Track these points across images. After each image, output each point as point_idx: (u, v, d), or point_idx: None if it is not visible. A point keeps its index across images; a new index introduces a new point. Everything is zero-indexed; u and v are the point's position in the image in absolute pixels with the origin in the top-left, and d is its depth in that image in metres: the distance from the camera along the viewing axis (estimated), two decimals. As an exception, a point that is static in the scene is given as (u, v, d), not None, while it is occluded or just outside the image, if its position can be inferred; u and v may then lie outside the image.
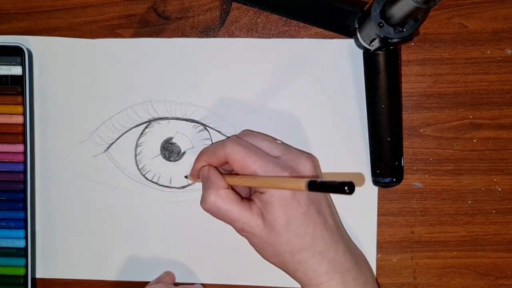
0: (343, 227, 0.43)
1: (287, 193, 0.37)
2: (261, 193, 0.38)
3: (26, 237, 0.44)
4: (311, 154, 0.43)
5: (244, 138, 0.40)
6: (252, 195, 0.39)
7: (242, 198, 0.39)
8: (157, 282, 0.43)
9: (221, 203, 0.38)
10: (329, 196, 0.42)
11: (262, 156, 0.38)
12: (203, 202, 0.39)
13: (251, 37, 0.44)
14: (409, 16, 0.33)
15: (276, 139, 0.42)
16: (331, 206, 0.41)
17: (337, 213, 0.43)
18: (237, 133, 0.43)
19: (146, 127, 0.44)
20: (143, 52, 0.44)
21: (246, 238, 0.39)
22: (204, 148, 0.42)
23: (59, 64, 0.44)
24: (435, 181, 0.44)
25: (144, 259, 0.45)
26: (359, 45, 0.40)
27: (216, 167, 0.40)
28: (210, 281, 0.45)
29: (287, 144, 0.42)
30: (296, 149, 0.43)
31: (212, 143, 0.44)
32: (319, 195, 0.39)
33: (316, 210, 0.38)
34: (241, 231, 0.39)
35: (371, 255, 0.44)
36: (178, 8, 0.44)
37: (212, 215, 0.39)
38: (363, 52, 0.40)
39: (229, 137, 0.44)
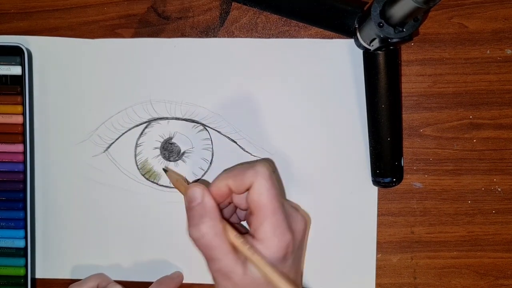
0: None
1: (278, 254, 0.34)
2: (253, 237, 0.34)
3: (26, 237, 0.44)
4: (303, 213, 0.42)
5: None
6: (245, 234, 0.35)
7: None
8: (164, 280, 0.43)
9: (213, 237, 0.34)
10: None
11: (277, 205, 0.34)
12: (194, 228, 0.34)
13: (251, 37, 0.44)
14: (409, 16, 0.33)
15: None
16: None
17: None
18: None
19: (146, 127, 0.44)
20: (143, 52, 0.44)
21: (215, 278, 0.36)
22: (229, 170, 0.37)
23: (59, 64, 0.44)
24: (435, 181, 0.44)
25: (144, 259, 0.45)
26: (359, 45, 0.40)
27: (211, 193, 0.36)
28: (210, 281, 0.44)
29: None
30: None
31: (241, 166, 0.37)
32: (298, 262, 0.38)
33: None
34: (215, 271, 0.35)
35: (371, 255, 0.44)
36: (178, 8, 0.44)
37: (197, 245, 0.35)
38: (363, 52, 0.40)
39: (257, 160, 0.42)
